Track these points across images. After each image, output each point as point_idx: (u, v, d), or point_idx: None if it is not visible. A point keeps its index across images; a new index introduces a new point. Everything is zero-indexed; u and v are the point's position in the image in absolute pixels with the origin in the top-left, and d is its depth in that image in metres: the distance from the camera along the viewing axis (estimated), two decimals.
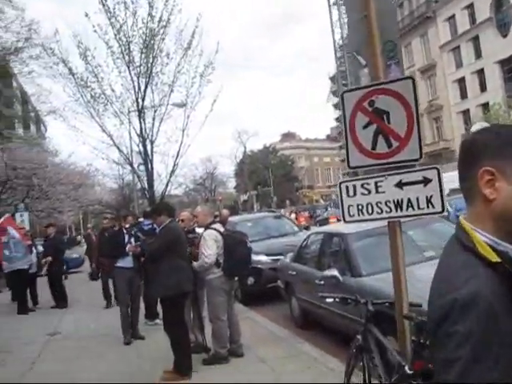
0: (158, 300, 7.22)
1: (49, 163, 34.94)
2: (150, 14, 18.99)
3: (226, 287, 6.98)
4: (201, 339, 7.35)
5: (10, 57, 24.64)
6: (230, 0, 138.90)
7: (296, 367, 6.28)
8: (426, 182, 4.02)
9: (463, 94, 48.93)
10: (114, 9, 18.78)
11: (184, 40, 19.77)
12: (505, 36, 43.06)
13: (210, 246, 6.83)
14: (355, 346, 4.44)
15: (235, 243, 7.04)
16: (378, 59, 4.22)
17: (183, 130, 20.19)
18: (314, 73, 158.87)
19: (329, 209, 42.89)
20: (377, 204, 4.21)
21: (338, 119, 67.84)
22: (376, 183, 4.21)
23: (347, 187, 4.39)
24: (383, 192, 4.17)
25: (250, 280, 10.81)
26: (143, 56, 19.60)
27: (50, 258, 13.13)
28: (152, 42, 19.48)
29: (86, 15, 18.41)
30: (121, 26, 19.01)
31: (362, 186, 4.29)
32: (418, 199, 4.05)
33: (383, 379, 4.03)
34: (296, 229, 14.40)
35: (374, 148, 4.19)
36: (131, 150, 21.73)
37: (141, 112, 20.43)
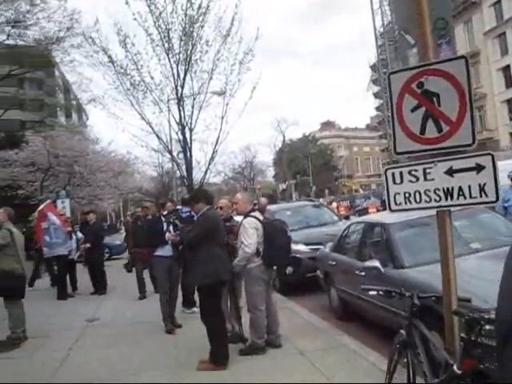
0: (195, 288, 7.09)
1: (90, 151, 35.46)
2: (189, 1, 18.92)
3: (265, 276, 6.82)
4: (238, 329, 7.23)
5: (52, 46, 24.95)
6: None
7: (335, 360, 6.10)
8: (478, 169, 3.77)
9: (508, 83, 47.46)
10: None
11: (223, 27, 19.66)
12: None
13: (251, 234, 6.68)
14: (399, 342, 4.22)
15: (275, 232, 6.87)
16: (427, 38, 3.95)
17: (222, 118, 20.13)
18: (353, 61, 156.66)
19: (372, 198, 42.30)
20: (425, 192, 3.97)
21: (378, 108, 66.81)
22: (424, 170, 3.97)
23: (393, 174, 4.16)
24: (432, 179, 3.93)
25: (289, 269, 10.66)
26: (182, 43, 19.54)
27: (88, 245, 13.25)
28: (191, 29, 19.39)
29: (126, 3, 18.42)
30: (160, 13, 18.99)
31: (410, 172, 4.05)
32: (469, 187, 3.80)
33: (428, 378, 3.81)
34: (335, 218, 14.17)
35: (422, 133, 3.95)
36: (170, 138, 21.80)
37: (180, 100, 20.42)
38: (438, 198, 3.91)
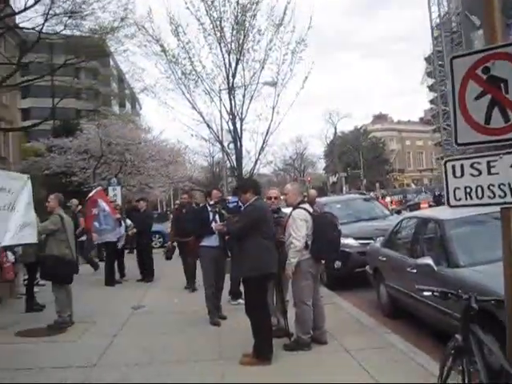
0: (241, 280, 6.93)
1: (141, 140, 35.88)
2: None
3: (313, 270, 6.61)
4: (283, 323, 7.03)
5: (106, 36, 25.28)
6: None
7: (382, 360, 5.87)
8: None
9: None
10: None
11: (276, 16, 19.43)
12: None
13: (300, 226, 6.48)
14: (453, 347, 3.93)
15: (325, 224, 6.65)
16: (495, 18, 3.64)
17: (273, 108, 19.96)
18: (407, 54, 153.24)
19: (424, 193, 41.43)
20: (488, 187, 3.67)
21: (432, 101, 65.23)
22: (488, 163, 3.67)
23: (454, 167, 3.87)
24: (497, 173, 3.62)
25: (337, 264, 10.43)
26: (234, 32, 19.43)
27: (134, 230, 13.35)
28: (243, 18, 19.25)
29: None
30: (212, 2, 18.95)
31: (472, 165, 3.75)
32: None
33: None
34: (386, 212, 13.81)
35: (487, 122, 3.64)
36: (221, 128, 21.78)
37: (231, 89, 20.33)
38: (502, 194, 3.60)
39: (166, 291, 11.29)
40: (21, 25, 25.81)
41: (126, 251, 15.40)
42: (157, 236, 21.59)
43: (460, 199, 3.83)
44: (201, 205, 9.45)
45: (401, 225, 8.77)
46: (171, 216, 16.85)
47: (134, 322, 8.59)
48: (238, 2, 18.90)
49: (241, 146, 20.96)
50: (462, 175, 3.80)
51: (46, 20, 23.32)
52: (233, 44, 19.61)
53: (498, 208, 3.72)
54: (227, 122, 20.85)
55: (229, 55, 19.84)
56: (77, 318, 8.48)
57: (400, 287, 7.67)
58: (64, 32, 25.02)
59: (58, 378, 5.75)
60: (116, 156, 32.88)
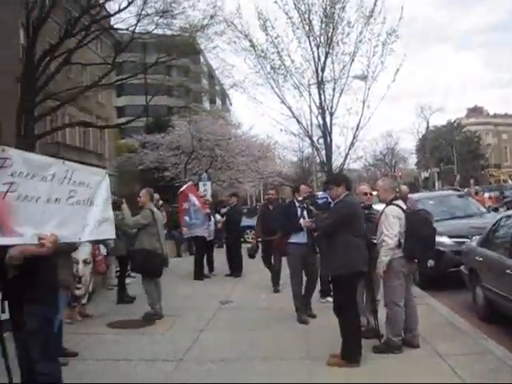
0: (330, 278, 6.74)
1: (231, 135, 36.30)
2: None
3: (405, 270, 6.32)
4: (373, 324, 6.81)
5: (196, 34, 25.74)
6: None
7: (479, 368, 5.54)
8: None
9: None
10: None
11: (366, 8, 19.03)
12: None
13: (392, 224, 6.22)
14: None
15: (419, 222, 6.35)
16: None
17: (363, 102, 19.59)
18: (503, 44, 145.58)
19: None
20: None
21: None
22: None
23: None
24: None
25: (430, 263, 9.97)
26: (323, 25, 19.22)
27: (223, 218, 13.42)
28: (332, 10, 18.99)
29: None
30: None
31: None
32: None
33: None
34: (483, 210, 13.15)
35: None
36: (311, 123, 21.65)
37: (320, 83, 20.13)
38: None
39: (254, 287, 11.28)
40: (115, 26, 26.82)
41: (216, 246, 15.60)
42: (248, 231, 21.61)
43: None
44: (287, 200, 9.33)
45: (499, 223, 8.27)
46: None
47: (221, 317, 8.63)
48: None
49: (330, 140, 20.76)
50: None
51: (138, 20, 24.09)
52: (322, 37, 19.41)
53: None
54: (316, 117, 20.72)
55: (318, 49, 19.66)
56: (165, 312, 8.64)
57: (498, 290, 7.23)
58: (156, 31, 25.75)
59: (144, 371, 5.86)
60: (206, 151, 33.51)
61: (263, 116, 22.52)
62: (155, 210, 8.85)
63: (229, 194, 16.95)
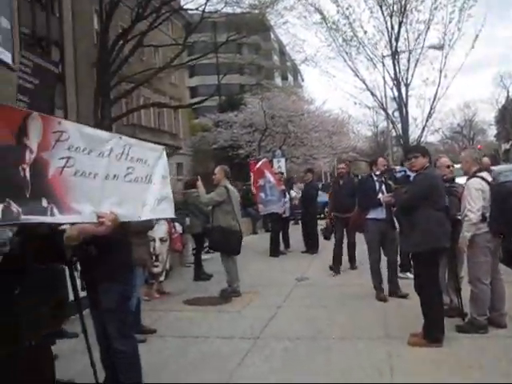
0: (410, 255, 6.44)
1: (304, 111, 36.06)
2: None
3: (491, 246, 5.92)
4: (456, 302, 6.47)
5: (266, 10, 25.58)
6: None
7: None
8: None
9: None
10: None
11: None
12: None
13: (475, 197, 5.84)
14: None
15: (505, 195, 5.94)
16: None
17: (440, 71, 18.82)
18: None
19: None
20: None
21: None
22: None
23: None
24: None
25: None
26: None
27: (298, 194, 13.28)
28: None
29: None
30: None
31: None
32: None
33: None
34: None
35: None
36: (385, 95, 21.07)
37: (395, 54, 19.50)
38: None
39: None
40: (185, 6, 27.02)
41: (291, 222, 15.49)
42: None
43: None
44: (361, 175, 9.02)
45: None
46: None
47: (298, 294, 8.51)
48: None
49: (406, 112, 20.13)
50: None
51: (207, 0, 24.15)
52: (395, 6, 18.68)
53: None
54: (391, 89, 20.13)
55: (391, 18, 18.97)
56: (242, 289, 8.64)
57: None
58: (225, 10, 25.78)
59: (221, 348, 5.84)
60: (280, 128, 33.46)
61: (336, 90, 22.61)
62: (230, 187, 8.80)
63: (304, 170, 16.69)
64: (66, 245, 2.11)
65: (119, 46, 21.77)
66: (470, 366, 4.91)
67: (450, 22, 18.44)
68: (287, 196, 14.06)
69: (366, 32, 19.41)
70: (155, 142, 3.23)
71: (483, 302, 5.90)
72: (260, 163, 13.86)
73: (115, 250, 4.03)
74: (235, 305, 7.97)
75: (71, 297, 4.27)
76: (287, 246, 14.01)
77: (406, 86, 19.62)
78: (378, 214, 7.92)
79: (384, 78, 20.20)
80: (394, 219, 7.70)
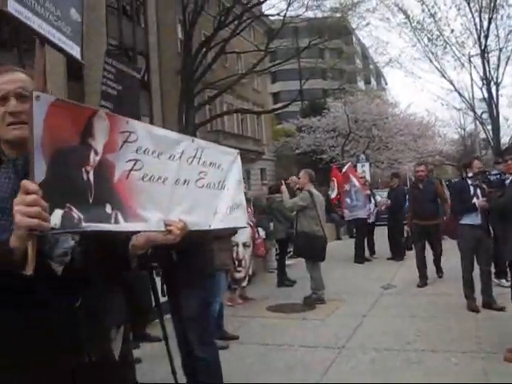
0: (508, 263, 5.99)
1: (388, 114, 35.44)
2: None
3: None
4: None
5: (347, 13, 25.36)
6: None
7: None
8: None
9: None
10: None
11: None
12: None
13: None
14: None
15: None
16: None
17: None
18: None
19: None
20: None
21: None
22: None
23: None
24: None
25: None
26: None
27: (388, 202, 12.87)
28: None
29: None
30: None
31: None
32: None
33: None
34: None
35: None
36: (472, 96, 20.25)
37: (484, 53, 18.65)
38: None
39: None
40: (266, 12, 27.25)
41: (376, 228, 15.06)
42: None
43: None
44: (453, 180, 8.57)
45: None
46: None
47: (384, 303, 8.21)
48: None
49: (497, 113, 19.18)
50: None
51: (289, 5, 24.35)
52: (483, 1, 17.85)
53: None
54: (480, 89, 19.25)
55: (479, 14, 18.14)
56: (326, 296, 8.44)
57: None
58: (306, 14, 25.76)
59: (305, 358, 5.68)
60: (363, 132, 33.04)
61: (422, 91, 21.66)
62: (315, 191, 8.64)
63: (390, 175, 16.19)
64: (132, 253, 1.99)
65: (202, 54, 22.21)
66: None
67: None
68: (372, 201, 13.70)
69: (452, 30, 18.89)
70: (239, 148, 3.14)
71: None
72: (346, 167, 13.62)
73: (194, 255, 3.99)
74: (319, 312, 7.77)
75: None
76: (372, 252, 13.66)
77: (497, 85, 18.73)
78: (473, 219, 7.41)
79: (472, 77, 19.39)
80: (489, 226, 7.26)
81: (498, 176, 7.97)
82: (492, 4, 17.71)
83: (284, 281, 10.02)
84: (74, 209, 1.56)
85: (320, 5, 25.39)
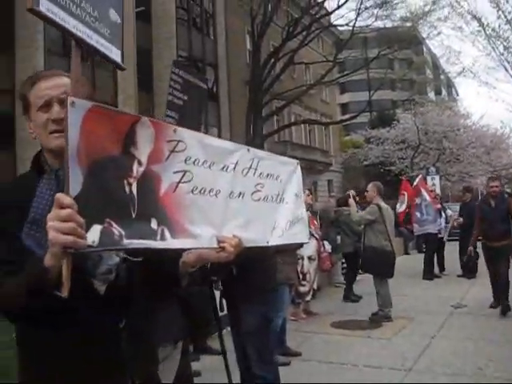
0: None
1: (460, 126, 34.42)
2: None
3: None
4: None
5: (418, 22, 24.87)
6: None
7: None
8: None
9: None
10: None
11: None
12: None
13: None
14: None
15: None
16: None
17: None
18: None
19: None
20: None
21: None
22: None
23: None
24: None
25: None
26: None
27: (460, 219, 12.30)
28: None
29: None
30: None
31: None
32: None
33: None
34: None
35: None
36: None
37: None
38: None
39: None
40: (335, 23, 27.04)
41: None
42: None
43: None
44: None
45: None
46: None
47: (454, 323, 7.87)
48: None
49: None
50: None
51: (358, 15, 24.14)
52: None
53: None
54: None
55: None
56: (393, 314, 8.18)
57: None
58: (375, 24, 25.43)
59: (369, 378, 5.48)
60: (434, 144, 32.23)
61: (497, 101, 20.81)
62: (383, 205, 8.41)
63: (462, 189, 15.59)
64: (182, 271, 1.88)
65: (271, 65, 22.31)
66: None
67: None
68: (443, 215, 13.26)
69: None
70: (306, 159, 3.03)
71: None
72: (417, 180, 13.25)
73: (253, 271, 3.90)
74: (386, 331, 7.53)
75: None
76: (442, 269, 13.18)
77: None
78: None
79: None
80: None
81: None
82: None
83: (350, 296, 9.81)
84: (115, 224, 1.46)
85: (390, 14, 25.05)
